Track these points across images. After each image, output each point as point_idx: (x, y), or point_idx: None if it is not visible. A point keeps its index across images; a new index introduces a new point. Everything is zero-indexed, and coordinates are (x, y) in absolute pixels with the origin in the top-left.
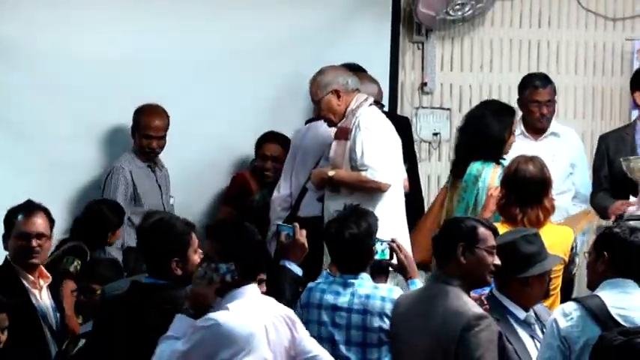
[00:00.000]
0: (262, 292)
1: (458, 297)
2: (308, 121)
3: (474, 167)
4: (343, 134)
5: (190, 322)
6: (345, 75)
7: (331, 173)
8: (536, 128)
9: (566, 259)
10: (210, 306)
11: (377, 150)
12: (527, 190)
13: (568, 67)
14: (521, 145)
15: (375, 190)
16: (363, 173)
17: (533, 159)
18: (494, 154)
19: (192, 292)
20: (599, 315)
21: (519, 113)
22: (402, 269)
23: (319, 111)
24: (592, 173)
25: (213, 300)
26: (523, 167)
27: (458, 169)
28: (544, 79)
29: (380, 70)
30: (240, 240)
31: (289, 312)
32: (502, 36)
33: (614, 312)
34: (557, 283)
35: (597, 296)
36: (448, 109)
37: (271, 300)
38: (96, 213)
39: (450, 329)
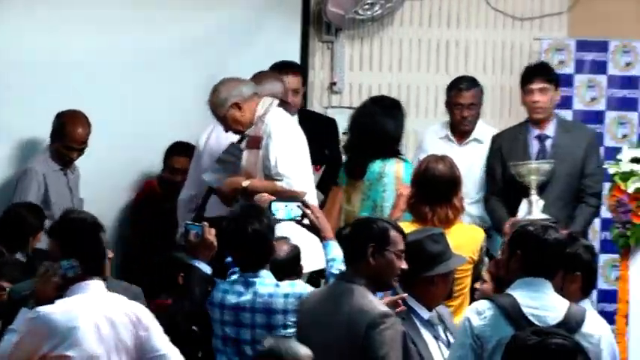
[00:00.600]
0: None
1: (363, 295)
2: None
3: (376, 165)
4: (254, 143)
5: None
6: (237, 85)
7: (245, 183)
8: (461, 132)
9: (476, 258)
10: (52, 301)
11: (291, 158)
12: (437, 188)
13: (477, 66)
14: (443, 148)
15: (291, 200)
16: (279, 183)
17: (443, 158)
18: (391, 151)
19: (35, 288)
20: (512, 314)
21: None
22: (314, 230)
23: (227, 127)
24: (485, 173)
25: (54, 295)
26: (433, 166)
27: (354, 169)
28: (469, 82)
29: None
30: (80, 236)
31: (138, 310)
32: (411, 36)
33: (527, 311)
34: (465, 283)
35: (510, 295)
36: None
37: (119, 297)
38: (15, 216)
39: (355, 327)
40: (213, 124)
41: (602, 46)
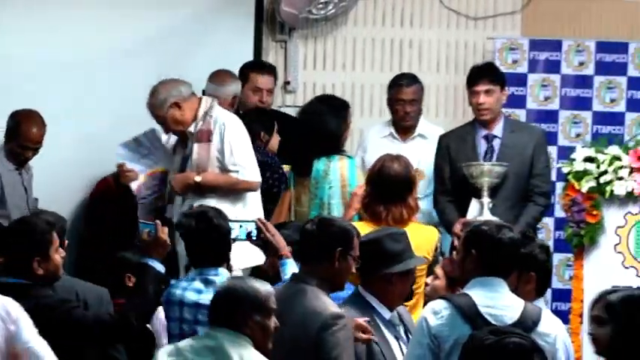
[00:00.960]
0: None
1: (317, 297)
2: None
3: (321, 163)
4: (205, 136)
5: None
6: (176, 86)
7: (198, 178)
8: (404, 129)
9: (430, 258)
10: None
11: (245, 149)
12: (392, 188)
13: (430, 65)
14: (388, 146)
15: (246, 190)
16: (234, 174)
17: (398, 157)
18: (334, 149)
19: None
20: (468, 313)
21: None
22: (270, 248)
23: (167, 128)
24: (434, 173)
25: None
26: (388, 165)
27: (301, 167)
28: (410, 79)
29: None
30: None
31: (7, 304)
32: (365, 35)
33: (483, 310)
34: (420, 282)
35: (467, 294)
36: None
37: None
38: None
39: (308, 328)
40: None
41: (556, 46)
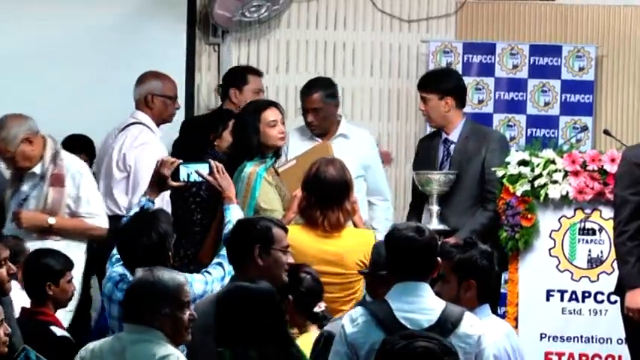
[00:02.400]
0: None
1: None
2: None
3: (242, 167)
4: (59, 181)
5: None
6: (25, 120)
7: (52, 221)
8: (319, 134)
9: (367, 262)
10: None
11: (98, 198)
12: (328, 192)
13: (364, 68)
14: (309, 147)
15: (95, 237)
16: (89, 220)
17: (333, 161)
18: (255, 153)
19: None
20: (383, 319)
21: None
22: (215, 189)
23: (15, 165)
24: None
25: None
26: (323, 169)
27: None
28: (311, 87)
29: (176, 73)
30: None
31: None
32: (298, 37)
33: (400, 315)
34: (356, 287)
35: (385, 300)
36: None
37: None
38: None
39: None
40: (107, 134)
41: (490, 49)
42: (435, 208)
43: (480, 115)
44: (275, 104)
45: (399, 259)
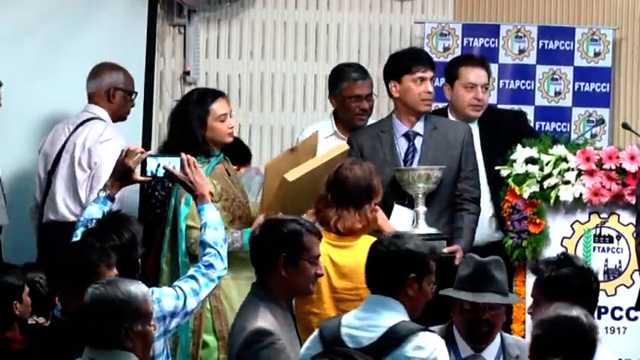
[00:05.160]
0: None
1: (252, 310)
2: None
3: None
4: None
5: None
6: None
7: None
8: (353, 128)
9: None
10: None
11: None
12: (346, 191)
13: (351, 53)
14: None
15: None
16: None
17: (361, 162)
18: (199, 150)
19: None
20: (327, 336)
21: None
22: (186, 186)
23: None
24: None
25: None
26: (347, 167)
27: None
28: (362, 70)
29: (135, 58)
30: None
31: None
32: (275, 18)
33: (344, 332)
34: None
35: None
36: None
37: None
38: None
39: (234, 347)
40: (55, 128)
41: (493, 31)
42: (422, 209)
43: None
44: (224, 94)
45: (366, 270)
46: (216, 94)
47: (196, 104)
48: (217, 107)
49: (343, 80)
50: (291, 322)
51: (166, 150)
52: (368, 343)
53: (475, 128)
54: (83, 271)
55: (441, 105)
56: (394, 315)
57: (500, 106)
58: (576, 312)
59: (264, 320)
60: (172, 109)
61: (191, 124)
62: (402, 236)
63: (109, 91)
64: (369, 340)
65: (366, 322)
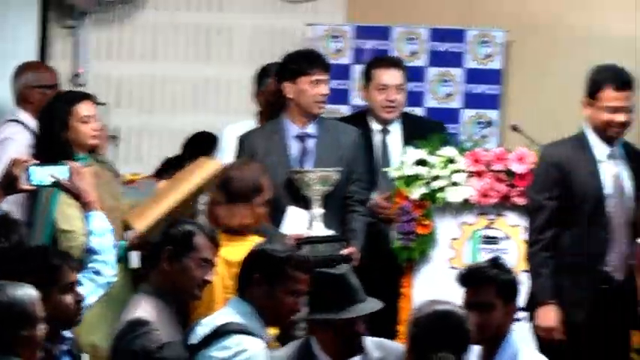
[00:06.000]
0: None
1: (132, 306)
2: None
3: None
4: None
5: None
6: None
7: None
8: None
9: None
10: None
11: None
12: (235, 191)
13: (242, 55)
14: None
15: None
16: None
17: (249, 162)
18: (60, 153)
19: None
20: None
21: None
22: (73, 194)
23: None
24: None
25: None
26: (236, 166)
27: None
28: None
29: (26, 60)
30: None
31: None
32: (167, 20)
33: (197, 328)
34: None
35: None
36: (104, 103)
37: None
38: None
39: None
40: None
41: (384, 33)
42: (319, 211)
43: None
44: (90, 97)
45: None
46: (82, 96)
47: (60, 105)
48: (81, 109)
49: (270, 77)
50: (178, 323)
51: (38, 152)
52: (196, 340)
53: (398, 130)
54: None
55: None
56: (229, 314)
57: None
58: (449, 305)
59: (143, 311)
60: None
61: (53, 125)
62: (277, 240)
63: (24, 91)
64: (198, 338)
65: (209, 320)
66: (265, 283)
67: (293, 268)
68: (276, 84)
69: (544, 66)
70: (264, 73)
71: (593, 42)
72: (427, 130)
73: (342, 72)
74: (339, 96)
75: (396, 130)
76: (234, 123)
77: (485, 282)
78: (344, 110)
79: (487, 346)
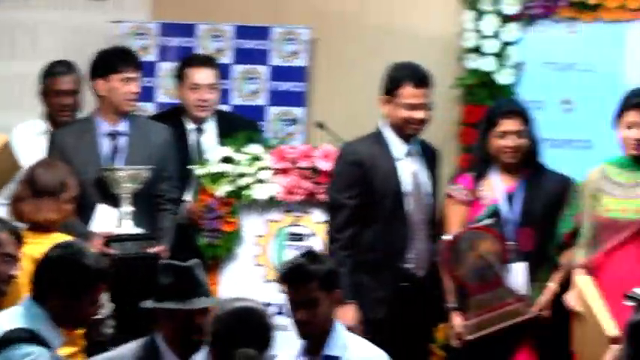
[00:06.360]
0: None
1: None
2: None
3: None
4: None
5: None
6: None
7: None
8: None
9: None
10: None
11: None
12: (41, 187)
13: (48, 52)
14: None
15: None
16: None
17: (54, 160)
18: None
19: None
20: None
21: None
22: None
23: None
24: None
25: None
26: (40, 166)
27: None
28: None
29: None
30: None
31: None
32: None
33: None
34: None
35: None
36: None
37: None
38: None
39: None
40: None
41: (189, 31)
42: (128, 209)
43: (177, 105)
44: None
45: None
46: None
47: None
48: None
49: (47, 75)
50: None
51: None
52: None
53: (212, 129)
54: None
55: None
56: (17, 318)
57: None
58: (250, 302)
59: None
60: None
61: None
62: (82, 241)
63: None
64: None
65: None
66: (66, 290)
67: (96, 278)
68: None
69: (349, 63)
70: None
71: (397, 40)
72: (241, 128)
73: (148, 69)
74: (144, 93)
75: (210, 129)
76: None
77: (307, 279)
78: (149, 108)
79: (315, 339)
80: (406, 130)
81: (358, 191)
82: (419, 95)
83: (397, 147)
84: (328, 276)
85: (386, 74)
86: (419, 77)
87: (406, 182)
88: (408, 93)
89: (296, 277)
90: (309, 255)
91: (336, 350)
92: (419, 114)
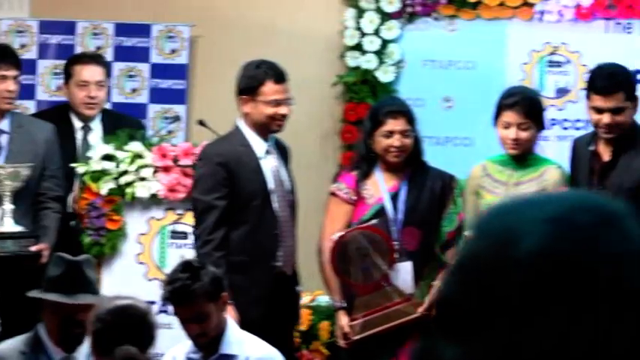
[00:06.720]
0: None
1: None
2: None
3: None
4: None
5: None
6: None
7: None
8: None
9: None
10: None
11: None
12: None
13: None
14: None
15: None
16: None
17: None
18: None
19: None
20: None
21: None
22: None
23: None
24: None
25: None
26: None
27: None
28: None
29: None
30: None
31: None
32: None
33: None
34: None
35: None
36: None
37: None
38: None
39: None
40: None
41: (69, 28)
42: (8, 207)
43: (59, 102)
44: None
45: None
46: None
47: None
48: None
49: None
50: None
51: None
52: None
53: (99, 127)
54: None
55: None
56: None
57: None
58: (130, 300)
59: None
60: None
61: None
62: None
63: None
64: None
65: None
66: None
67: None
68: None
69: (230, 61)
70: None
71: (279, 38)
72: (126, 126)
73: (28, 67)
74: (24, 91)
75: (97, 127)
76: None
77: (193, 297)
78: (29, 105)
79: (209, 343)
80: (271, 127)
81: (226, 192)
82: (281, 91)
83: (258, 145)
84: (212, 285)
85: (241, 74)
86: (278, 73)
87: (270, 180)
88: (271, 90)
89: (181, 298)
90: (189, 269)
91: (232, 347)
92: (283, 109)
